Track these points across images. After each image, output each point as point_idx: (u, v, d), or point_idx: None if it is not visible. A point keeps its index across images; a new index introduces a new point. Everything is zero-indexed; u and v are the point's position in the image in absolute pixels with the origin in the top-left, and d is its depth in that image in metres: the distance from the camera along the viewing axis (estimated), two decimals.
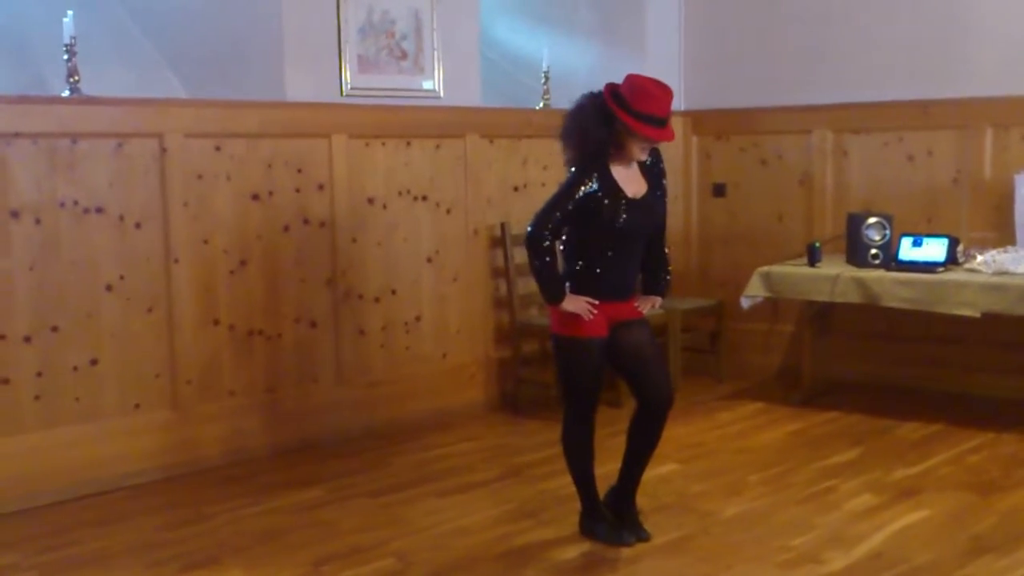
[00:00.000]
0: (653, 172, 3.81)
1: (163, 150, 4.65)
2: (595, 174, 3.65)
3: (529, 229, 3.71)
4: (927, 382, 5.93)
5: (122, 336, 4.57)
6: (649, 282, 3.92)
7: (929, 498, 4.28)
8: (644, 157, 3.72)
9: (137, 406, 4.64)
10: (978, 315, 5.07)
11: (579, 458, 3.87)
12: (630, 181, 3.72)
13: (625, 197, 3.67)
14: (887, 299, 5.32)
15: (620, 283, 3.77)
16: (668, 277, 3.94)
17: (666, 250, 3.95)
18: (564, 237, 3.76)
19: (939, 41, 5.88)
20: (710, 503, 4.24)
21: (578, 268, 3.73)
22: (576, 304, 3.68)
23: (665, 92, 3.64)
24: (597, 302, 3.69)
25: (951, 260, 5.38)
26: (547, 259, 3.68)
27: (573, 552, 3.80)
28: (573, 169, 3.72)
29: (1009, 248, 5.31)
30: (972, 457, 4.82)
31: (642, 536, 3.87)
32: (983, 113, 5.75)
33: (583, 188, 3.64)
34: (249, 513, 4.27)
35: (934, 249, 5.42)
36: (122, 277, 4.56)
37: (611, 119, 3.63)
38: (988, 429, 5.20)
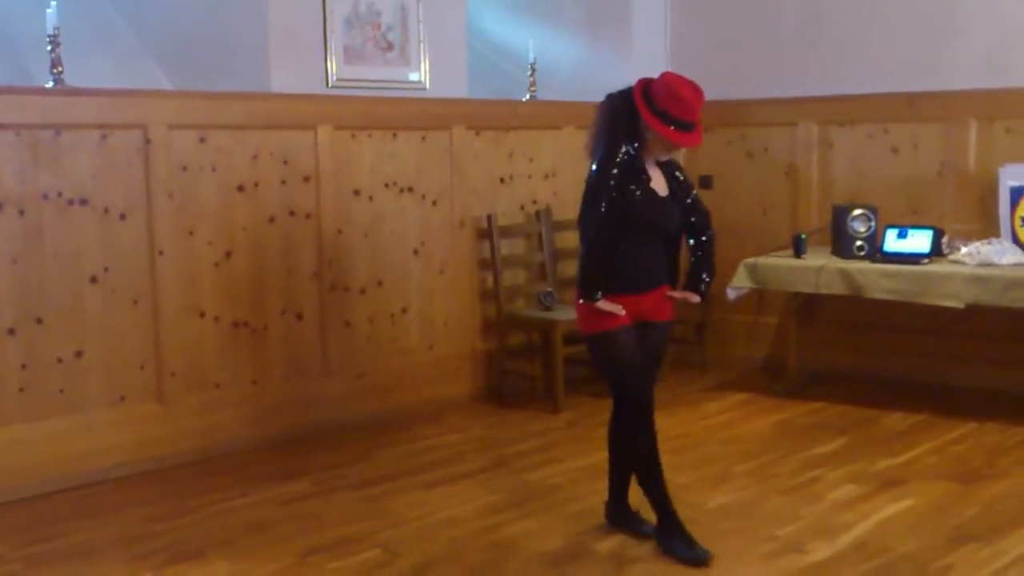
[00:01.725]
0: (666, 170, 3.73)
1: (147, 141, 4.63)
2: (626, 155, 3.56)
3: (586, 230, 3.62)
4: (911, 373, 5.96)
5: (107, 328, 4.56)
6: (691, 277, 3.80)
7: (913, 488, 4.31)
8: (665, 157, 3.67)
9: (122, 398, 4.63)
10: (962, 306, 5.10)
11: (649, 463, 3.69)
12: (654, 175, 3.67)
13: (648, 186, 3.62)
14: (872, 290, 5.35)
15: (643, 278, 3.69)
16: (709, 277, 3.80)
17: (710, 237, 3.80)
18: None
19: (924, 34, 5.90)
20: (696, 494, 4.25)
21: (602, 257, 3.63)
22: (613, 307, 3.60)
23: (696, 95, 3.54)
24: (622, 308, 3.61)
25: (935, 252, 5.41)
26: (593, 270, 3.62)
27: (559, 542, 3.81)
28: (603, 151, 3.60)
29: (993, 240, 5.33)
30: (955, 447, 4.85)
31: (649, 533, 3.80)
32: (968, 106, 5.77)
33: (616, 165, 3.54)
34: (234, 505, 4.26)
35: (919, 241, 5.45)
36: (106, 269, 4.55)
37: (637, 115, 3.56)
38: (971, 419, 5.23)
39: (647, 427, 3.68)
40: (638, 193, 3.59)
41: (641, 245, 3.67)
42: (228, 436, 4.91)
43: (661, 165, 3.73)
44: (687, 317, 6.43)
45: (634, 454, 3.74)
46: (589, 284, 3.64)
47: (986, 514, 4.01)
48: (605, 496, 3.97)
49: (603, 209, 3.57)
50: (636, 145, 3.60)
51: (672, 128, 3.52)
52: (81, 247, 4.47)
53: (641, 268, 3.69)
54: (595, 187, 3.61)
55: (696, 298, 3.81)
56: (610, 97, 3.67)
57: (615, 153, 3.58)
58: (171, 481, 4.56)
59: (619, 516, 3.94)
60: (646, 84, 3.60)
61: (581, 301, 3.67)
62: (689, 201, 3.77)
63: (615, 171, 3.57)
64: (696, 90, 3.56)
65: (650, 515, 3.82)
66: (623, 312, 3.62)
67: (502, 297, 5.80)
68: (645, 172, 3.64)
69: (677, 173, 3.77)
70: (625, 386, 3.69)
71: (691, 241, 3.80)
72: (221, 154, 4.86)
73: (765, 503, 4.18)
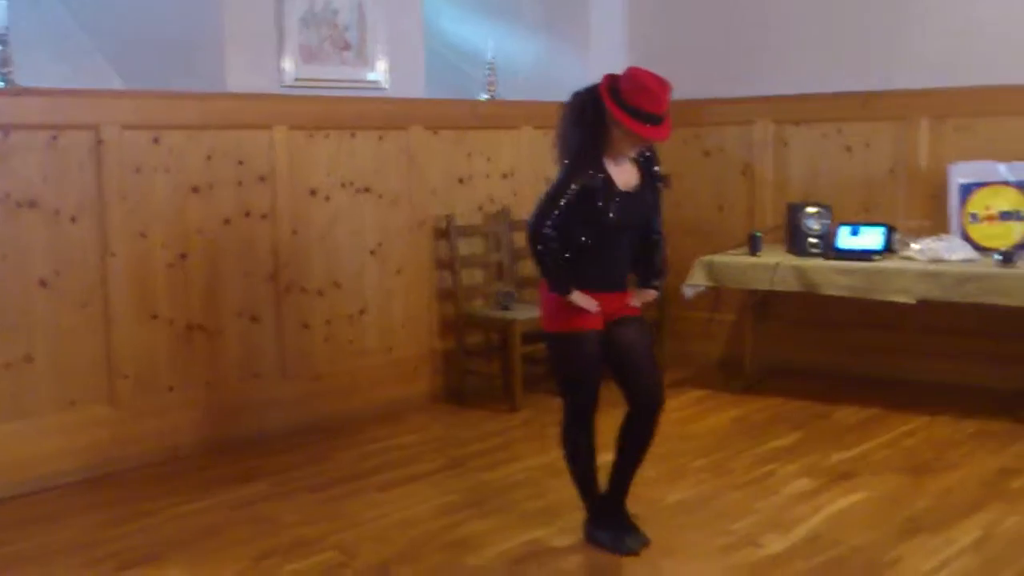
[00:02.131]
0: (645, 160, 3.69)
1: (99, 142, 4.57)
2: (589, 168, 3.53)
3: (530, 222, 3.59)
4: (864, 368, 6.03)
5: (57, 332, 4.50)
6: (643, 274, 3.78)
7: (865, 481, 4.36)
8: (633, 154, 3.61)
9: (73, 403, 4.57)
10: (914, 301, 5.17)
11: (580, 462, 3.72)
12: (622, 173, 3.61)
13: (617, 191, 3.57)
14: (826, 287, 5.41)
15: (611, 275, 3.67)
16: (662, 268, 3.81)
17: (660, 235, 3.79)
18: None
19: (878, 34, 5.98)
20: (654, 490, 4.27)
21: (567, 259, 3.59)
22: (587, 301, 3.57)
23: (662, 87, 3.49)
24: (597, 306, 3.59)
25: (888, 248, 5.48)
26: (551, 250, 3.57)
27: (516, 541, 3.81)
28: (567, 162, 3.58)
29: (943, 236, 5.42)
30: (907, 440, 4.92)
31: (644, 542, 3.72)
32: (919, 105, 5.85)
33: (578, 181, 3.51)
34: (189, 509, 4.22)
35: (871, 238, 5.52)
36: (57, 272, 4.48)
37: (603, 110, 3.50)
38: (923, 413, 5.31)
39: (589, 428, 3.70)
40: (600, 204, 3.54)
41: (610, 244, 3.64)
42: (182, 440, 4.87)
43: (638, 160, 3.67)
44: (644, 315, 6.45)
45: (572, 452, 3.73)
46: (559, 279, 3.58)
47: (937, 505, 4.07)
48: (564, 493, 3.98)
49: (554, 217, 3.53)
50: (600, 162, 3.55)
51: (639, 122, 3.47)
52: (30, 250, 4.41)
53: (611, 266, 3.67)
54: (551, 200, 3.56)
55: (654, 293, 3.80)
56: (576, 94, 3.62)
57: (577, 173, 3.53)
58: (124, 486, 4.51)
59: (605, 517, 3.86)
60: (612, 80, 3.55)
61: (552, 292, 3.61)
62: (658, 195, 3.74)
63: (576, 193, 3.52)
64: (662, 82, 3.51)
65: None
66: (597, 308, 3.58)
67: (460, 297, 5.80)
68: (611, 181, 3.57)
69: (656, 168, 3.71)
70: (575, 392, 3.67)
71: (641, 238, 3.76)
72: (175, 155, 4.82)
73: (721, 498, 4.22)
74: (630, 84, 3.49)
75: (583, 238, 3.58)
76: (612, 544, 3.70)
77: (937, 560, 3.56)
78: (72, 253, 4.53)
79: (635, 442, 3.71)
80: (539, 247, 3.58)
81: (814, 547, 3.70)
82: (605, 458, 4.63)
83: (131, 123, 4.66)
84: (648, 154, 3.70)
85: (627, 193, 3.61)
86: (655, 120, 3.49)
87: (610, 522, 3.76)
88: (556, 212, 3.54)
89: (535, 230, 3.57)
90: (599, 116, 3.52)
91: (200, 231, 4.92)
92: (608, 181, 3.56)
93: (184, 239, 4.87)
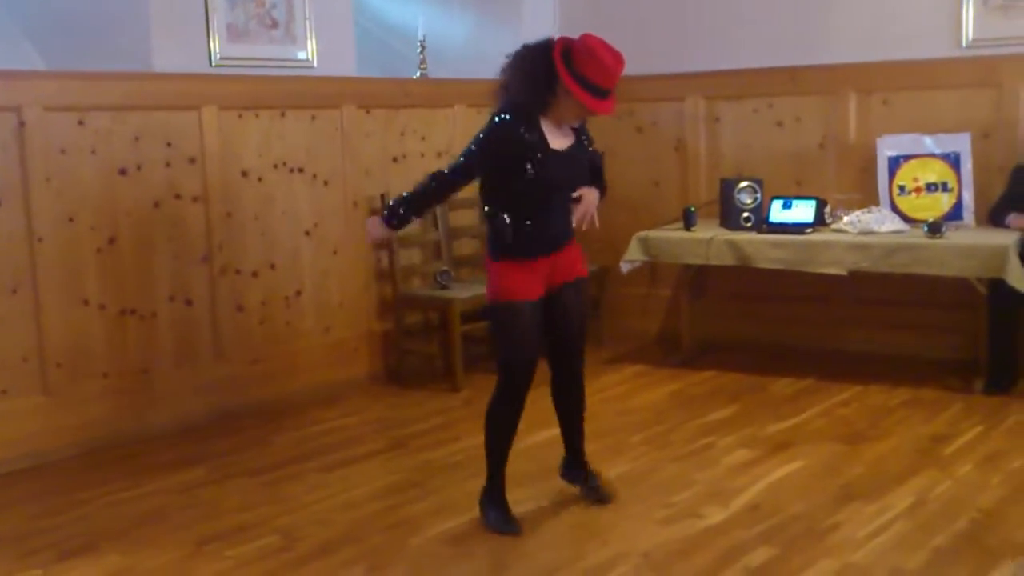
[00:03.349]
0: (577, 129, 3.70)
1: (21, 124, 4.45)
2: (522, 125, 3.50)
3: (444, 171, 3.64)
4: (799, 340, 6.13)
5: None
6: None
7: (802, 450, 4.44)
8: (574, 124, 3.61)
9: (4, 392, 4.45)
10: (845, 273, 5.27)
11: (500, 437, 3.72)
12: (556, 134, 3.59)
13: (550, 150, 3.54)
14: (759, 260, 5.48)
15: (553, 234, 3.65)
16: (604, 185, 3.83)
17: (600, 156, 3.85)
18: (491, 192, 3.63)
19: (805, 9, 6.05)
20: (594, 464, 4.26)
21: (508, 223, 3.58)
22: (373, 226, 3.74)
23: (617, 62, 3.50)
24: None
25: (819, 221, 5.57)
26: (430, 184, 3.63)
27: (460, 519, 3.82)
28: (502, 114, 3.53)
29: (873, 208, 5.50)
30: (842, 410, 5.02)
31: (604, 499, 3.90)
32: (847, 79, 5.94)
33: (509, 135, 3.49)
34: (126, 497, 4.16)
35: (803, 211, 5.60)
36: None
37: (554, 75, 3.47)
38: (857, 383, 5.41)
39: (518, 405, 3.71)
40: (535, 163, 3.51)
41: (550, 205, 3.62)
42: (118, 427, 4.78)
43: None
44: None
45: (495, 425, 3.74)
46: (393, 206, 3.68)
47: (871, 473, 4.16)
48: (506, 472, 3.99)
49: (474, 156, 3.57)
50: (536, 121, 3.53)
51: (589, 94, 3.47)
52: None
53: (553, 228, 3.66)
54: (478, 150, 3.57)
55: (594, 194, 3.73)
56: (528, 48, 3.56)
57: (509, 128, 3.50)
58: (59, 475, 4.42)
59: (571, 473, 4.01)
60: (566, 44, 3.51)
61: (495, 263, 3.62)
62: (590, 152, 3.76)
63: (504, 146, 3.51)
64: (618, 57, 3.51)
65: (533, 487, 3.85)
66: (379, 234, 3.77)
67: (398, 277, 5.76)
68: (544, 138, 3.54)
69: (584, 139, 3.72)
70: (511, 362, 3.67)
71: None
72: (101, 136, 4.70)
73: (661, 471, 4.27)
74: (585, 54, 3.47)
75: (520, 200, 3.57)
76: (498, 524, 3.71)
77: (873, 526, 3.64)
78: None
79: (571, 394, 3.90)
80: (428, 179, 3.66)
81: (754, 516, 3.76)
82: (550, 433, 4.68)
83: (54, 105, 4.54)
84: (579, 126, 3.71)
85: (559, 152, 3.59)
86: (604, 94, 3.50)
87: (574, 477, 3.98)
88: (474, 156, 3.56)
89: (441, 170, 3.65)
90: (549, 78, 3.49)
91: (129, 214, 4.82)
92: (542, 140, 3.54)
93: (113, 222, 4.76)
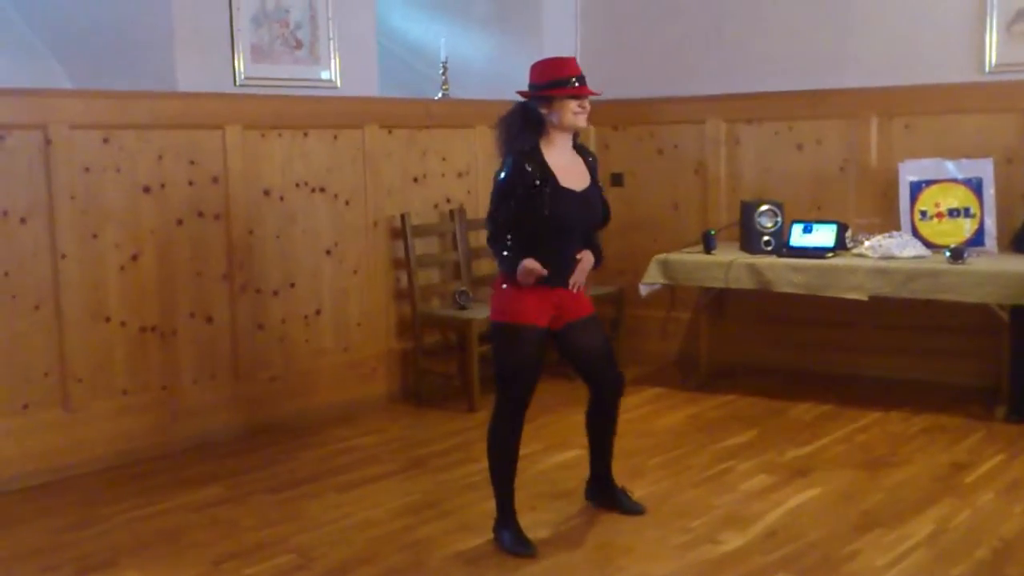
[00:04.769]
0: (589, 166, 3.86)
1: (48, 142, 4.49)
2: (528, 164, 3.66)
3: (488, 231, 3.78)
4: (818, 364, 6.10)
5: (8, 335, 4.42)
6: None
7: (821, 476, 4.42)
8: (583, 123, 3.78)
9: (25, 406, 4.49)
10: (866, 298, 5.25)
11: (502, 458, 3.76)
12: (567, 172, 3.73)
13: (560, 187, 3.69)
14: (779, 284, 5.46)
15: (562, 271, 3.76)
16: (600, 248, 3.96)
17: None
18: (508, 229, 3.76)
19: (828, 33, 6.05)
20: None
21: (517, 256, 3.69)
22: (535, 264, 3.65)
23: (567, 57, 3.81)
24: (546, 271, 3.68)
25: (840, 246, 5.55)
26: (506, 252, 3.73)
27: (477, 540, 3.81)
28: (509, 160, 3.70)
29: (894, 233, 5.48)
30: (861, 436, 4.99)
31: (637, 510, 4.01)
32: (869, 103, 5.93)
33: (521, 177, 3.65)
34: (145, 513, 4.17)
35: (823, 235, 5.58)
36: (7, 274, 4.40)
37: (535, 114, 3.70)
38: (876, 408, 5.38)
39: (516, 425, 3.75)
40: (546, 199, 3.65)
41: (562, 241, 3.75)
42: (138, 443, 4.81)
43: (580, 153, 3.83)
44: (600, 314, 6.49)
45: (494, 445, 3.76)
46: (508, 257, 3.70)
47: (891, 500, 4.13)
48: (521, 494, 3.97)
49: (504, 215, 3.71)
50: (538, 154, 3.70)
51: (568, 87, 3.68)
52: None
53: (563, 263, 3.77)
54: (502, 194, 3.73)
55: (589, 257, 3.86)
56: (503, 116, 3.80)
57: (518, 170, 3.66)
58: (79, 490, 4.44)
59: (600, 493, 4.08)
60: (530, 83, 3.75)
61: (504, 286, 3.72)
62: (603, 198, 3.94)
63: (521, 182, 3.66)
64: (563, 56, 3.85)
65: (551, 509, 3.84)
66: (545, 273, 3.67)
67: (417, 297, 5.78)
68: (551, 173, 3.68)
69: (591, 160, 3.89)
70: (511, 383, 3.72)
71: None
72: (126, 155, 4.75)
73: (679, 495, 4.25)
74: (537, 70, 3.75)
75: (532, 237, 3.70)
76: (512, 546, 3.72)
77: (893, 554, 3.61)
78: (22, 255, 4.45)
79: (605, 422, 4.00)
80: (497, 254, 3.77)
81: (772, 542, 3.74)
82: (567, 456, 4.67)
83: (80, 123, 4.59)
84: (589, 159, 3.89)
85: (572, 192, 3.73)
86: (581, 80, 3.72)
87: (600, 496, 4.07)
88: (505, 212, 3.71)
89: (492, 239, 3.79)
90: (530, 112, 3.71)
91: (153, 232, 4.86)
92: (550, 175, 3.68)
93: (136, 240, 4.80)
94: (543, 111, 3.70)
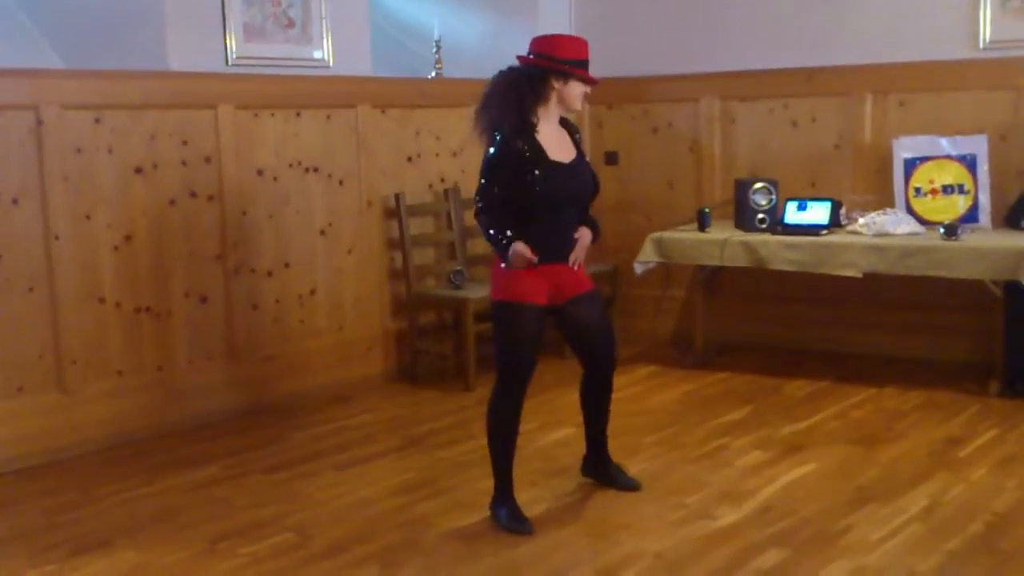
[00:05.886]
0: (575, 142, 3.86)
1: (39, 123, 4.47)
2: (521, 140, 3.64)
3: (477, 205, 3.73)
4: (813, 342, 6.12)
5: (2, 317, 4.41)
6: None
7: (816, 452, 4.43)
8: (579, 106, 3.79)
9: (20, 388, 4.49)
10: (860, 275, 5.25)
11: (501, 436, 3.76)
12: (556, 147, 3.72)
13: (552, 161, 3.68)
14: (774, 262, 5.47)
15: (557, 247, 3.75)
16: (595, 223, 3.95)
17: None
18: (501, 206, 3.73)
19: (822, 11, 6.03)
20: None
21: (512, 234, 3.67)
22: (524, 248, 3.62)
23: (580, 37, 3.81)
24: (536, 258, 3.66)
25: (834, 223, 5.55)
26: (493, 230, 3.70)
27: (473, 518, 3.83)
28: (497, 136, 3.67)
29: (888, 210, 5.49)
30: (856, 412, 5.00)
31: (633, 485, 4.03)
32: (863, 80, 5.91)
33: (512, 153, 3.63)
34: (141, 494, 4.18)
35: (818, 212, 5.58)
36: (0, 256, 4.40)
37: (541, 82, 3.66)
38: (871, 385, 5.40)
39: (516, 403, 3.75)
40: (537, 176, 3.63)
41: (556, 216, 3.73)
42: (133, 424, 4.81)
43: (565, 127, 3.83)
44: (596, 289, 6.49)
45: (494, 423, 3.77)
46: (499, 251, 3.68)
47: (885, 475, 4.15)
48: (518, 471, 3.98)
49: (496, 191, 3.68)
50: (529, 131, 3.67)
51: (582, 70, 3.69)
52: None
53: (558, 238, 3.76)
54: (489, 171, 3.69)
55: (588, 235, 3.86)
56: (498, 77, 3.73)
57: (510, 146, 3.63)
58: (74, 471, 4.44)
59: (596, 470, 4.09)
60: (532, 51, 3.72)
61: (503, 265, 3.70)
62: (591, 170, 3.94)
63: (512, 160, 3.63)
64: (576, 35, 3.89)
65: (547, 487, 3.85)
66: (535, 260, 3.65)
67: (412, 276, 5.77)
68: (542, 149, 3.67)
69: (576, 136, 3.88)
70: (511, 361, 3.73)
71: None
72: (117, 135, 4.73)
73: (674, 472, 4.26)
74: (560, 43, 3.72)
75: (526, 213, 3.68)
76: (508, 523, 3.73)
77: (887, 529, 3.63)
78: (15, 236, 4.44)
79: (600, 398, 3.99)
80: (486, 230, 3.73)
81: (767, 518, 3.75)
82: (562, 433, 4.67)
83: (72, 103, 4.57)
84: (576, 135, 3.88)
85: (562, 165, 3.72)
86: (587, 65, 3.75)
87: (596, 473, 4.09)
88: (496, 189, 3.68)
89: (481, 215, 3.74)
90: (536, 82, 3.67)
91: (145, 212, 4.84)
92: (541, 152, 3.67)
93: (129, 221, 4.79)
94: (556, 84, 3.68)
